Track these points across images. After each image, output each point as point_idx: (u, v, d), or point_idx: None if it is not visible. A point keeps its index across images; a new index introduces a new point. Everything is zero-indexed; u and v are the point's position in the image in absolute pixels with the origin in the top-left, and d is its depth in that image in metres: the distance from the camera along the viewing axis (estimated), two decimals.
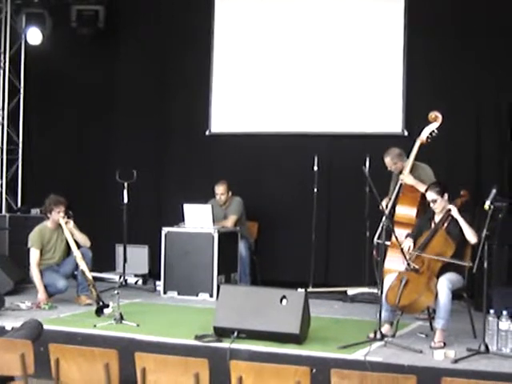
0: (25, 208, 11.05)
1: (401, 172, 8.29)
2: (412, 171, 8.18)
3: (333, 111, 10.17)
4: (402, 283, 6.66)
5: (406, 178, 8.12)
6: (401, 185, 8.19)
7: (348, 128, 10.10)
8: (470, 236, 6.83)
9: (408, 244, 7.07)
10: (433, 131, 8.18)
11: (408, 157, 8.30)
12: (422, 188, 7.90)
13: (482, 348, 6.20)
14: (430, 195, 7.09)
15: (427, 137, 8.19)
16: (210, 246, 9.12)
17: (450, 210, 6.98)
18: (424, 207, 7.76)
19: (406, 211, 8.00)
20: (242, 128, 10.55)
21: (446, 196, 7.05)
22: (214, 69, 10.71)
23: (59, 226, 8.62)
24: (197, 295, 9.12)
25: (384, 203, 7.81)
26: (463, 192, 7.40)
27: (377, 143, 9.30)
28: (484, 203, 6.38)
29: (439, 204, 7.06)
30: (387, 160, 8.41)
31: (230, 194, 9.94)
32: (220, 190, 9.88)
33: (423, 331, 7.16)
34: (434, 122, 8.18)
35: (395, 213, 8.05)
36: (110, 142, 11.24)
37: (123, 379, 5.01)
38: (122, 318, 7.37)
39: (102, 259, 9.79)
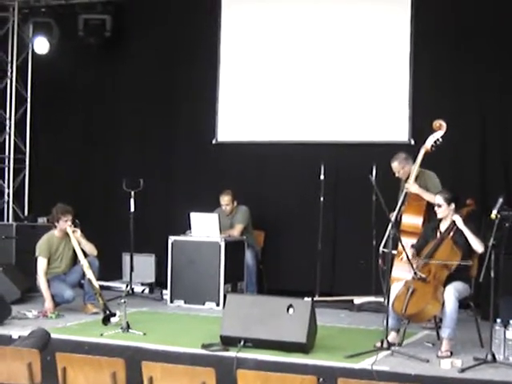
0: (32, 217, 11.06)
1: (407, 179, 8.27)
2: (418, 178, 8.17)
3: (339, 120, 10.17)
4: (408, 292, 6.66)
5: (412, 187, 8.09)
6: (406, 194, 8.16)
7: (354, 137, 10.08)
8: (477, 246, 6.83)
9: (411, 253, 7.05)
10: (437, 140, 8.14)
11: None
12: (427, 196, 7.89)
13: (489, 357, 6.19)
14: (438, 199, 7.12)
15: (432, 145, 8.15)
16: (217, 255, 9.12)
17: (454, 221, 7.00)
18: (430, 216, 7.75)
19: (412, 220, 7.98)
20: (248, 137, 10.55)
21: (452, 205, 7.05)
22: (221, 78, 10.73)
23: (66, 234, 8.62)
24: (203, 304, 9.11)
25: (393, 217, 7.75)
26: (469, 201, 7.41)
27: (383, 152, 9.26)
28: (491, 212, 6.38)
29: (443, 211, 7.08)
30: (395, 165, 8.36)
31: (236, 203, 9.94)
32: (225, 200, 9.88)
33: (430, 340, 7.15)
34: (439, 130, 8.15)
35: (401, 222, 8.04)
36: (117, 151, 11.26)
37: None
38: (128, 326, 7.37)
39: (109, 268, 9.80)
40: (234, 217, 9.90)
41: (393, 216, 7.68)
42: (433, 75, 9.64)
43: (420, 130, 9.32)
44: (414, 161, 8.24)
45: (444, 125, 8.14)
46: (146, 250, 10.52)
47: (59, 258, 8.68)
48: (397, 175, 8.40)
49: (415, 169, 8.16)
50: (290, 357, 6.44)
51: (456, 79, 9.55)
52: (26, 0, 11.40)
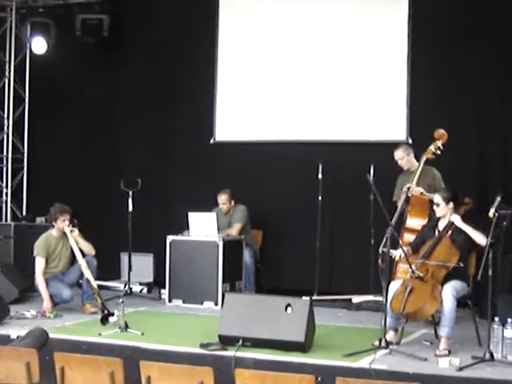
0: (30, 216, 11.07)
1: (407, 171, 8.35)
2: (423, 176, 8.22)
3: (337, 119, 10.18)
4: (406, 291, 6.66)
5: (416, 189, 8.13)
6: (408, 198, 8.19)
7: (352, 136, 10.09)
8: (479, 239, 6.79)
9: (399, 253, 7.05)
10: (438, 147, 8.26)
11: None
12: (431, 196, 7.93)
13: (487, 356, 6.19)
14: (436, 198, 7.15)
15: (433, 152, 8.26)
16: (215, 255, 9.12)
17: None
18: (430, 215, 7.79)
19: (418, 222, 7.98)
20: (246, 136, 10.56)
21: (450, 204, 7.06)
22: (219, 77, 10.73)
23: (64, 234, 8.63)
24: (202, 303, 9.12)
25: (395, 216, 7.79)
26: (467, 200, 7.43)
27: (381, 151, 9.30)
28: (488, 211, 6.38)
29: (441, 209, 7.10)
30: (399, 152, 8.48)
31: (233, 202, 9.94)
32: (222, 199, 9.88)
33: (428, 339, 7.14)
34: (440, 139, 8.26)
35: (407, 223, 8.07)
36: (115, 151, 11.26)
37: None
38: (127, 326, 7.37)
39: (107, 268, 9.79)
40: (232, 216, 9.90)
41: (395, 216, 7.71)
42: (431, 74, 9.64)
43: (417, 128, 9.35)
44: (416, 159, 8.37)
45: (446, 134, 8.26)
46: (144, 249, 10.52)
47: (57, 257, 8.68)
48: (399, 163, 8.49)
49: (417, 174, 8.22)
50: (288, 356, 6.44)
51: (454, 78, 9.55)
52: (24, 0, 11.40)
